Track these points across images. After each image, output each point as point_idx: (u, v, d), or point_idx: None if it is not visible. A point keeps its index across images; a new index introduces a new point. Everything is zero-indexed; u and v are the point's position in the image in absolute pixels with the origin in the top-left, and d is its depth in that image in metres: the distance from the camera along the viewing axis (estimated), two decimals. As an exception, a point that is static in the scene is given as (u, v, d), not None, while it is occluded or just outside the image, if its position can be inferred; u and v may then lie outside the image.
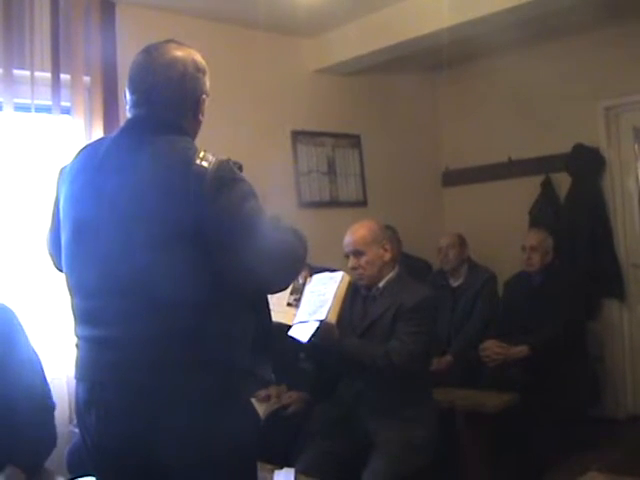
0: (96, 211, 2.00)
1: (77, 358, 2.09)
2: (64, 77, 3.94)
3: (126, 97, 2.15)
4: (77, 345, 2.10)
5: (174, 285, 1.92)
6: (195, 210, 1.90)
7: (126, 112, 2.16)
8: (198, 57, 2.19)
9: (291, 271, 2.15)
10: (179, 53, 2.14)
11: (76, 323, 2.09)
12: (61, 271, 2.22)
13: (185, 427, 1.93)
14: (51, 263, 2.33)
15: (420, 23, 4.81)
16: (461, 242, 5.21)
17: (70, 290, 2.11)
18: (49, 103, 3.90)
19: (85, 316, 2.05)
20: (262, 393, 3.85)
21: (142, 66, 2.14)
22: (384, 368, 3.24)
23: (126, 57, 3.98)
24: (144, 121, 2.09)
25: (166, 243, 1.92)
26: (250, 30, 5.07)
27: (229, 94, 4.94)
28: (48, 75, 3.90)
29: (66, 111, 3.96)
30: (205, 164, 1.94)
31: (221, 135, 4.80)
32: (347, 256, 3.57)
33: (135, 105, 2.12)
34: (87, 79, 4.02)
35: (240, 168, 2.09)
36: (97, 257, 1.99)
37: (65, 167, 2.18)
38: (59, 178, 2.18)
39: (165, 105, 2.10)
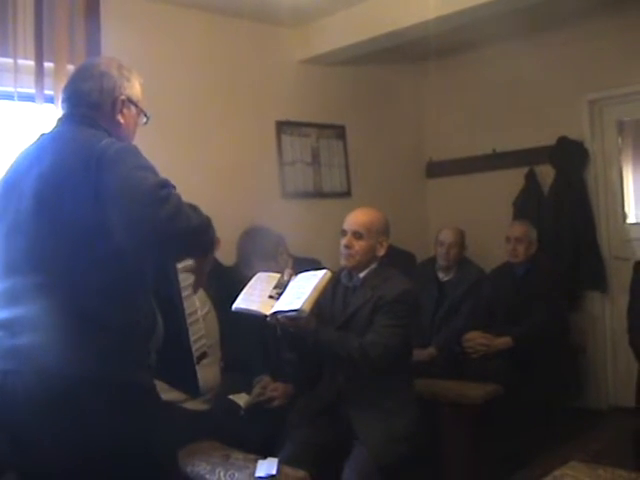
0: (10, 198, 2.12)
1: None
2: (48, 65, 3.90)
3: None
4: None
5: (76, 266, 1.99)
6: (95, 184, 1.96)
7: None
8: (127, 69, 2.35)
9: (184, 242, 2.06)
10: (106, 60, 2.37)
11: None
12: None
13: (95, 421, 1.96)
14: None
15: (406, 14, 4.80)
16: (463, 239, 5.11)
17: None
18: (32, 91, 3.86)
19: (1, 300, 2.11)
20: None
21: (75, 69, 2.41)
22: (359, 360, 3.24)
23: (111, 45, 3.99)
24: (67, 116, 2.27)
25: (70, 224, 1.98)
26: (235, 19, 5.05)
27: (213, 84, 4.94)
28: (31, 63, 3.86)
29: (50, 100, 3.92)
30: (109, 146, 2.03)
31: (205, 125, 4.81)
32: (344, 233, 3.52)
33: (62, 101, 2.31)
34: (71, 67, 3.96)
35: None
36: (7, 241, 2.09)
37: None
38: None
39: (81, 100, 2.26)
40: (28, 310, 2.00)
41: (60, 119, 2.28)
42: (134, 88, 2.35)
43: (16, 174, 2.16)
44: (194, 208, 2.10)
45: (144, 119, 2.43)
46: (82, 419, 1.95)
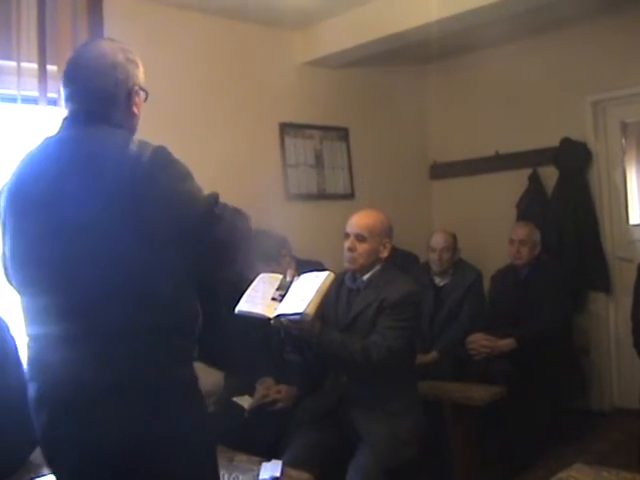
0: (43, 210, 1.97)
1: (28, 358, 2.06)
2: (51, 68, 3.90)
3: (60, 93, 2.16)
4: (28, 345, 2.06)
5: (125, 277, 1.90)
6: (139, 198, 1.87)
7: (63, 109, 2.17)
8: (130, 52, 2.19)
9: (236, 246, 2.08)
10: (109, 46, 2.16)
11: (26, 323, 2.06)
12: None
13: (147, 424, 1.91)
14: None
15: (409, 16, 4.80)
16: (454, 242, 5.06)
17: (20, 290, 2.07)
18: (35, 94, 3.87)
19: (35, 315, 2.02)
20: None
21: (74, 61, 2.16)
22: (362, 362, 3.23)
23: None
24: (77, 115, 2.09)
25: (117, 236, 1.89)
26: (239, 22, 5.06)
27: (217, 86, 4.94)
28: (34, 66, 3.86)
29: (53, 102, 3.93)
30: (141, 151, 1.93)
31: (209, 127, 4.81)
32: (347, 235, 3.51)
33: (67, 99, 2.13)
34: (74, 70, 3.99)
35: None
36: (46, 255, 1.96)
37: (5, 185, 2.13)
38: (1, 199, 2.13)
39: (95, 96, 2.09)
40: (70, 324, 1.92)
41: (71, 118, 2.11)
42: (141, 73, 2.22)
43: (35, 181, 2.02)
44: (239, 212, 2.11)
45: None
46: (140, 427, 1.90)
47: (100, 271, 1.90)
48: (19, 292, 2.07)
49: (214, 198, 2.00)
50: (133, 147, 1.94)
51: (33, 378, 2.03)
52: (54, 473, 2.09)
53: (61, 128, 2.13)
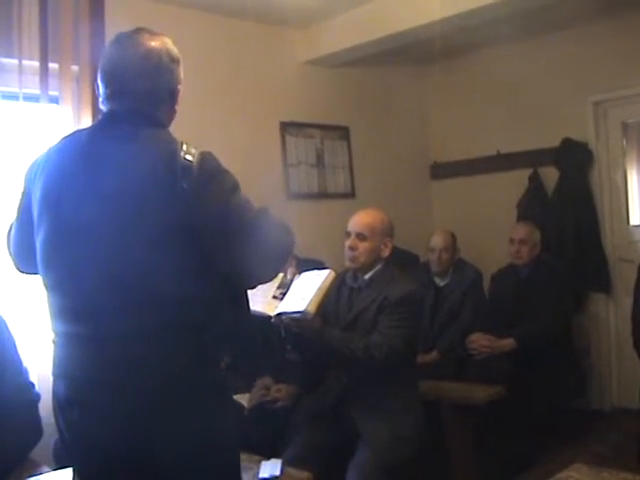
0: (81, 208, 1.94)
1: (55, 354, 2.05)
2: (52, 66, 3.90)
3: (99, 90, 2.10)
4: (54, 341, 2.05)
5: (165, 281, 1.90)
6: (184, 205, 1.88)
7: (100, 105, 2.12)
8: (172, 46, 2.13)
9: (278, 263, 2.12)
10: (153, 43, 2.08)
11: (55, 319, 2.04)
12: (22, 272, 2.21)
13: (177, 424, 1.92)
14: (12, 263, 2.27)
15: (410, 16, 4.81)
16: (454, 242, 5.02)
17: (48, 287, 2.04)
18: (37, 92, 3.87)
19: (68, 312, 1.99)
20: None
21: (115, 58, 2.09)
22: (363, 361, 3.24)
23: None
24: (121, 115, 2.04)
25: (155, 239, 1.90)
26: (240, 21, 5.06)
27: (218, 85, 4.94)
28: (36, 64, 3.86)
29: (54, 100, 3.94)
30: (190, 157, 1.92)
31: (210, 126, 4.80)
32: (348, 234, 3.51)
33: (109, 98, 2.07)
34: (75, 68, 3.99)
35: None
36: (82, 254, 1.93)
37: (37, 161, 2.11)
38: (30, 172, 2.11)
39: (141, 98, 2.05)
40: (110, 324, 1.91)
41: (112, 117, 2.06)
42: (182, 70, 2.17)
43: (71, 178, 1.98)
44: (287, 229, 2.13)
45: None
46: (174, 426, 1.92)
47: (133, 275, 1.90)
48: (48, 290, 2.06)
49: (264, 212, 2.04)
50: (182, 155, 1.93)
51: (61, 375, 2.02)
52: (76, 472, 2.08)
53: (100, 126, 2.10)
